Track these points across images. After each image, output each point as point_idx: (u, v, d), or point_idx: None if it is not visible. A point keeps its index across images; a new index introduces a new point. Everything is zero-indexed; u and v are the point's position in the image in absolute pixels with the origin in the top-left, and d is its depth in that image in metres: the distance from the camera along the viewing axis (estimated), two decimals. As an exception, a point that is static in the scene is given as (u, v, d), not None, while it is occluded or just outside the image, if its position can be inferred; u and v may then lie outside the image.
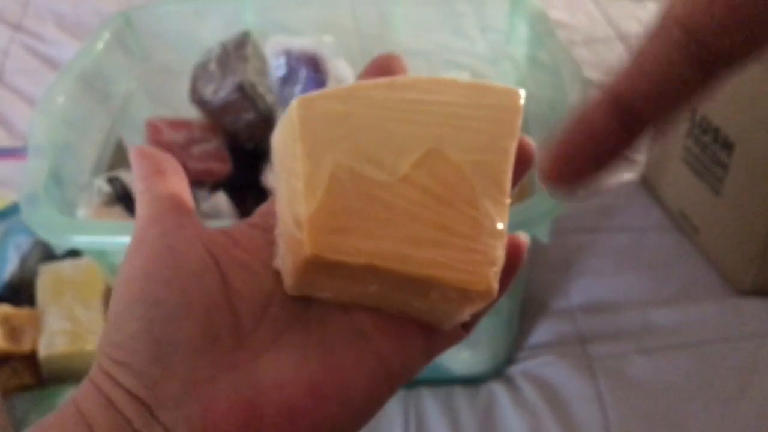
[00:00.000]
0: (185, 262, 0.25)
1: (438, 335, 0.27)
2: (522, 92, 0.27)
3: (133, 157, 0.30)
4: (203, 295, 0.25)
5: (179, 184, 0.30)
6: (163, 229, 0.27)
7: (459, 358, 0.65)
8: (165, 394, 0.24)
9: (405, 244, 0.24)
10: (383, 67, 0.30)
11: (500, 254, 0.25)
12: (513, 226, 0.50)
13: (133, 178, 0.30)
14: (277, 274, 0.27)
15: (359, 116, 0.26)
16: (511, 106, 0.27)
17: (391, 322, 0.26)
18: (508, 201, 0.26)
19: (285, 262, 0.26)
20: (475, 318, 0.27)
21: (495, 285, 0.24)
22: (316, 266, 0.24)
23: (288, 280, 0.26)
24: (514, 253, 0.27)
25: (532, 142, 0.28)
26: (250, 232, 0.28)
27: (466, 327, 0.28)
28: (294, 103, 0.26)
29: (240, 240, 0.28)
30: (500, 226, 0.25)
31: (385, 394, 0.26)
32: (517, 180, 0.27)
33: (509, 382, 0.65)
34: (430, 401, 0.64)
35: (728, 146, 0.68)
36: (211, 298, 0.25)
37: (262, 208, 0.29)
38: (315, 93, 0.26)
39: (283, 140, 0.27)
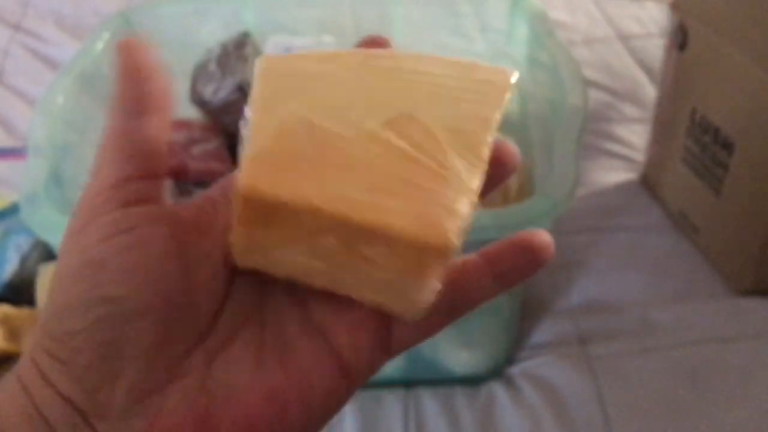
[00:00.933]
0: (148, 250, 0.22)
1: (398, 326, 0.25)
2: (514, 73, 0.26)
3: (119, 59, 0.26)
4: (164, 291, 0.22)
5: (160, 132, 0.25)
6: (126, 199, 0.23)
7: (459, 358, 0.65)
8: (106, 403, 0.21)
9: (356, 190, 0.22)
10: (369, 45, 0.28)
11: (465, 210, 0.22)
12: (513, 226, 0.50)
13: (110, 82, 0.25)
14: (234, 266, 0.24)
15: (330, 76, 0.24)
16: (500, 82, 0.26)
17: (346, 313, 0.24)
18: (483, 166, 0.24)
19: (233, 223, 0.24)
20: (443, 314, 0.25)
21: (455, 240, 0.22)
22: (254, 207, 0.22)
23: (234, 243, 0.24)
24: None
25: (514, 148, 0.26)
26: (210, 210, 0.25)
27: (439, 321, 0.25)
28: (259, 59, 0.25)
29: (201, 222, 0.24)
30: (470, 183, 0.23)
31: (345, 394, 0.24)
32: (494, 185, 0.25)
33: (509, 382, 0.65)
34: (429, 401, 0.64)
35: (728, 146, 0.68)
36: (171, 295, 0.22)
37: (222, 181, 0.27)
38: (288, 55, 0.26)
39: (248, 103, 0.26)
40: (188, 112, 0.76)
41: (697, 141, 0.72)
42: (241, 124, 0.25)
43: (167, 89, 0.26)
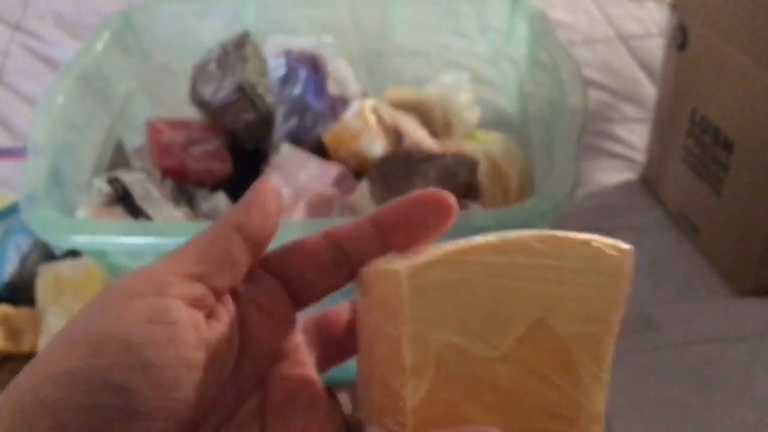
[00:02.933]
0: (184, 353, 0.22)
1: None
2: (631, 252, 0.26)
3: (256, 188, 0.25)
4: (181, 402, 0.21)
5: (248, 262, 0.24)
6: (190, 296, 0.22)
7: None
8: None
9: (507, 429, 0.24)
10: (428, 204, 0.26)
11: None
12: (513, 226, 0.50)
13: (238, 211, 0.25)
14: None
15: (470, 285, 0.24)
16: (620, 270, 0.25)
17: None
18: (607, 378, 0.25)
19: (378, 421, 0.25)
20: None
21: None
22: None
23: None
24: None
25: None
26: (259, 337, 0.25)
27: None
28: (402, 271, 0.23)
29: (244, 344, 0.24)
30: (599, 408, 0.24)
31: None
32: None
33: (509, 382, 0.65)
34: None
35: (728, 146, 0.68)
36: (185, 409, 0.22)
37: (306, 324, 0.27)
38: (423, 259, 0.24)
39: (377, 301, 0.25)
40: (188, 112, 0.76)
41: (697, 141, 0.72)
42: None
43: (270, 236, 0.25)
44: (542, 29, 0.71)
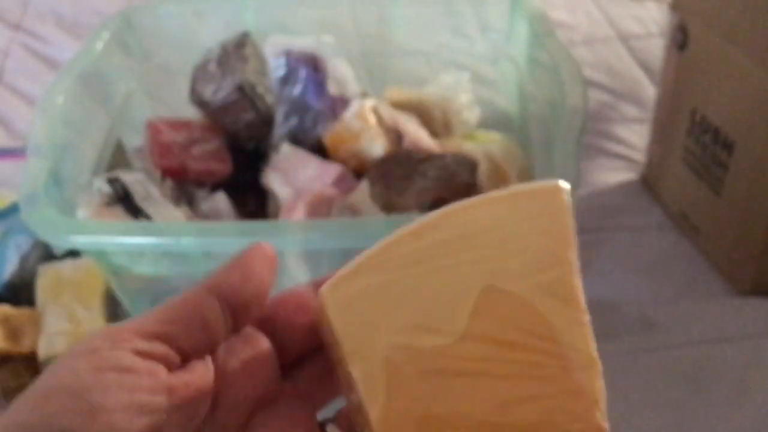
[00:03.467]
0: (143, 403, 0.22)
1: None
2: (564, 185, 0.23)
3: (245, 252, 0.25)
4: None
5: (225, 331, 0.24)
6: (151, 352, 0.23)
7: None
8: None
9: (493, 413, 0.22)
10: None
11: (599, 385, 0.23)
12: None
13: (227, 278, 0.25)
14: None
15: (395, 282, 0.22)
16: (557, 205, 0.23)
17: None
18: (587, 318, 0.23)
19: None
20: None
21: (605, 424, 0.22)
22: None
23: None
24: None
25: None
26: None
27: None
28: (323, 293, 0.23)
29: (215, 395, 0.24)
30: (588, 352, 0.23)
31: None
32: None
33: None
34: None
35: (728, 146, 0.68)
36: None
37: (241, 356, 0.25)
38: (341, 272, 0.23)
39: (323, 327, 0.24)
40: (188, 112, 0.76)
41: (697, 141, 0.72)
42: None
43: (258, 307, 0.25)
44: (542, 29, 0.71)
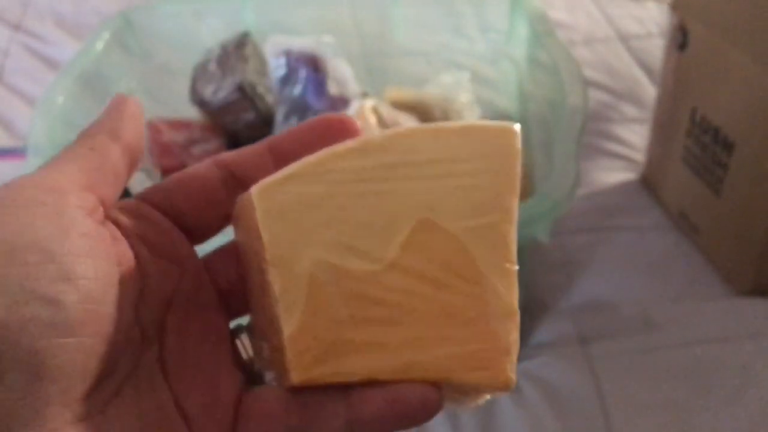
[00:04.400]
0: (114, 263, 0.20)
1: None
2: (517, 128, 0.23)
3: (113, 103, 0.23)
4: (117, 316, 0.20)
5: (127, 169, 0.23)
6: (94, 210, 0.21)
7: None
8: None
9: (406, 347, 0.21)
10: (331, 128, 0.24)
11: (514, 337, 0.22)
12: (513, 226, 0.50)
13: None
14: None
15: (332, 196, 0.22)
16: (507, 149, 0.22)
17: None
18: (515, 268, 0.22)
19: (272, 361, 0.23)
20: None
21: (513, 376, 0.22)
22: (307, 388, 0.22)
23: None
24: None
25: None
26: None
27: None
28: (253, 192, 0.22)
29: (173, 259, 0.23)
30: (510, 301, 0.22)
31: None
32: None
33: (509, 382, 0.65)
34: (430, 401, 0.64)
35: (728, 146, 0.68)
36: (122, 323, 0.20)
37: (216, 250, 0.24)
38: (276, 176, 0.22)
39: (244, 230, 0.23)
40: (188, 112, 0.77)
41: (697, 141, 0.72)
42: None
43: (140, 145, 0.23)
44: (542, 29, 0.71)
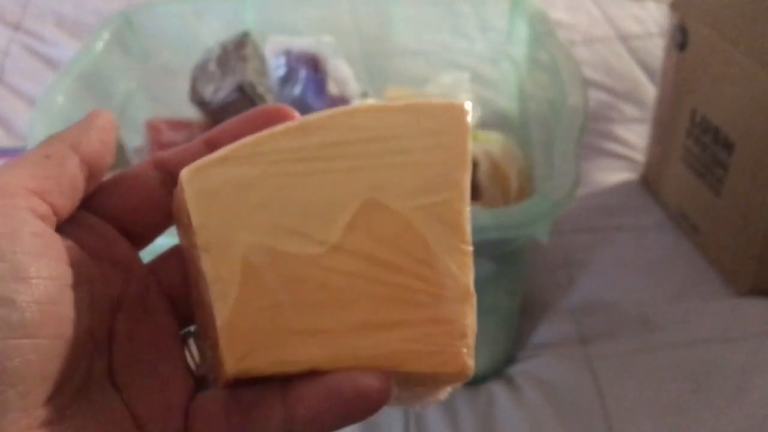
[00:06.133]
0: (75, 263, 0.20)
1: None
2: (467, 105, 0.22)
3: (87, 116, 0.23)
4: (74, 316, 0.19)
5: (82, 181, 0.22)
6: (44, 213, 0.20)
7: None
8: None
9: (352, 334, 0.20)
10: (270, 119, 0.23)
11: (470, 320, 0.21)
12: (513, 226, 0.50)
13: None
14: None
15: (269, 177, 0.20)
16: (456, 125, 0.21)
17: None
18: (470, 248, 0.21)
19: (213, 361, 0.21)
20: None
21: (470, 362, 0.21)
22: (245, 383, 0.20)
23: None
24: None
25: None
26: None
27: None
28: (182, 175, 0.21)
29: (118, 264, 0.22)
30: (465, 282, 0.21)
31: None
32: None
33: (509, 382, 0.65)
34: (430, 401, 0.64)
35: (728, 146, 0.68)
36: (79, 323, 0.20)
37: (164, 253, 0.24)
38: (208, 158, 0.21)
39: (181, 224, 0.22)
40: (188, 112, 0.76)
41: (697, 141, 0.72)
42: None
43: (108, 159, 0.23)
44: (542, 29, 0.71)
